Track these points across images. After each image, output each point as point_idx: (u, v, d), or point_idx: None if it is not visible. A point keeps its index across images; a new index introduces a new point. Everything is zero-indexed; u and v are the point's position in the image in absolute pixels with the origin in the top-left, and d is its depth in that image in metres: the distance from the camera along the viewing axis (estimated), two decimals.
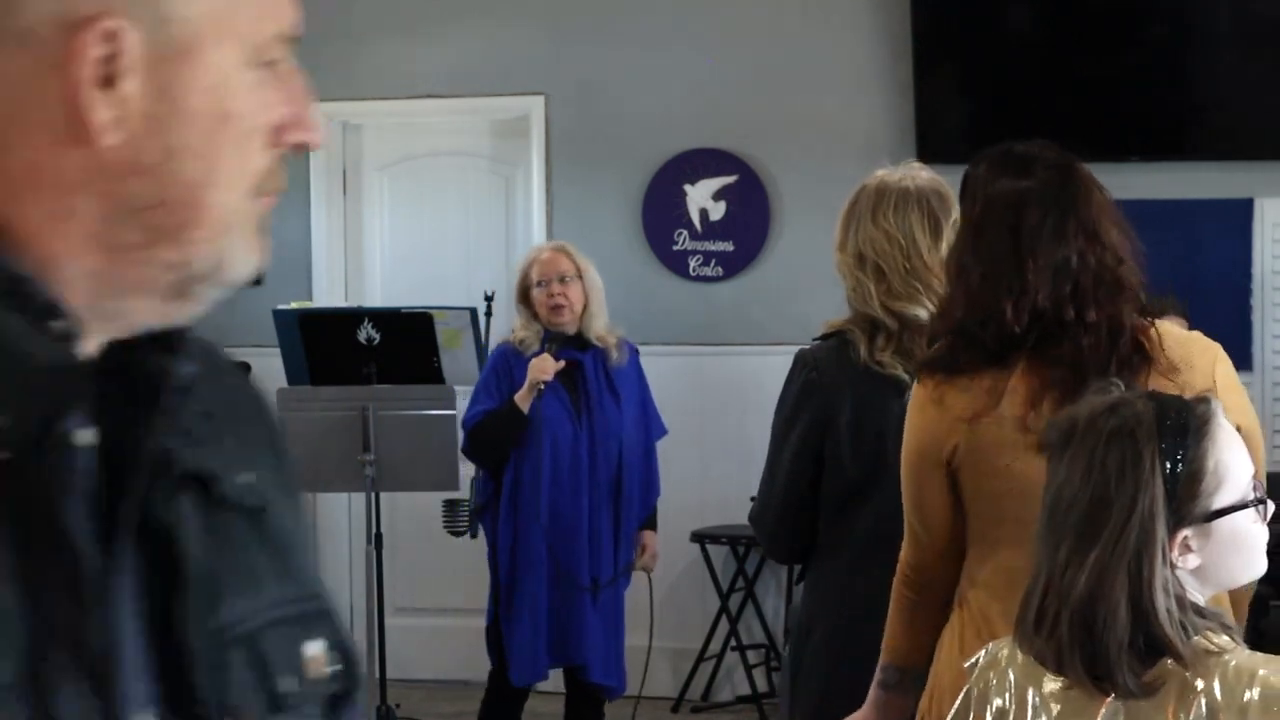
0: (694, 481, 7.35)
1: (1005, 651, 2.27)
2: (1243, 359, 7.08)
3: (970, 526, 2.92)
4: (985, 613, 2.90)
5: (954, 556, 2.96)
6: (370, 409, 6.09)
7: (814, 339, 3.54)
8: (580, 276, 5.89)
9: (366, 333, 6.69)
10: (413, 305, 7.36)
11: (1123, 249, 2.91)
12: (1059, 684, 2.19)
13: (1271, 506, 2.24)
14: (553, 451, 5.79)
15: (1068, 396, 2.79)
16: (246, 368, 5.72)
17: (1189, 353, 2.89)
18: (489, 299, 6.58)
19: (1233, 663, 2.11)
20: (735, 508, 7.29)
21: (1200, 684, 2.10)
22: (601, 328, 5.91)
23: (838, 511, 3.21)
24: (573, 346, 5.84)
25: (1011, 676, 2.25)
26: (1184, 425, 2.17)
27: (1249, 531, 2.20)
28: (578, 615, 5.82)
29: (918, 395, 2.96)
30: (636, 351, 6.09)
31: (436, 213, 8.05)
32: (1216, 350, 2.94)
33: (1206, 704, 2.09)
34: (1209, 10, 7.04)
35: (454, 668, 7.83)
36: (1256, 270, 7.09)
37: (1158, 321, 2.92)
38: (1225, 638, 2.14)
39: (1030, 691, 2.22)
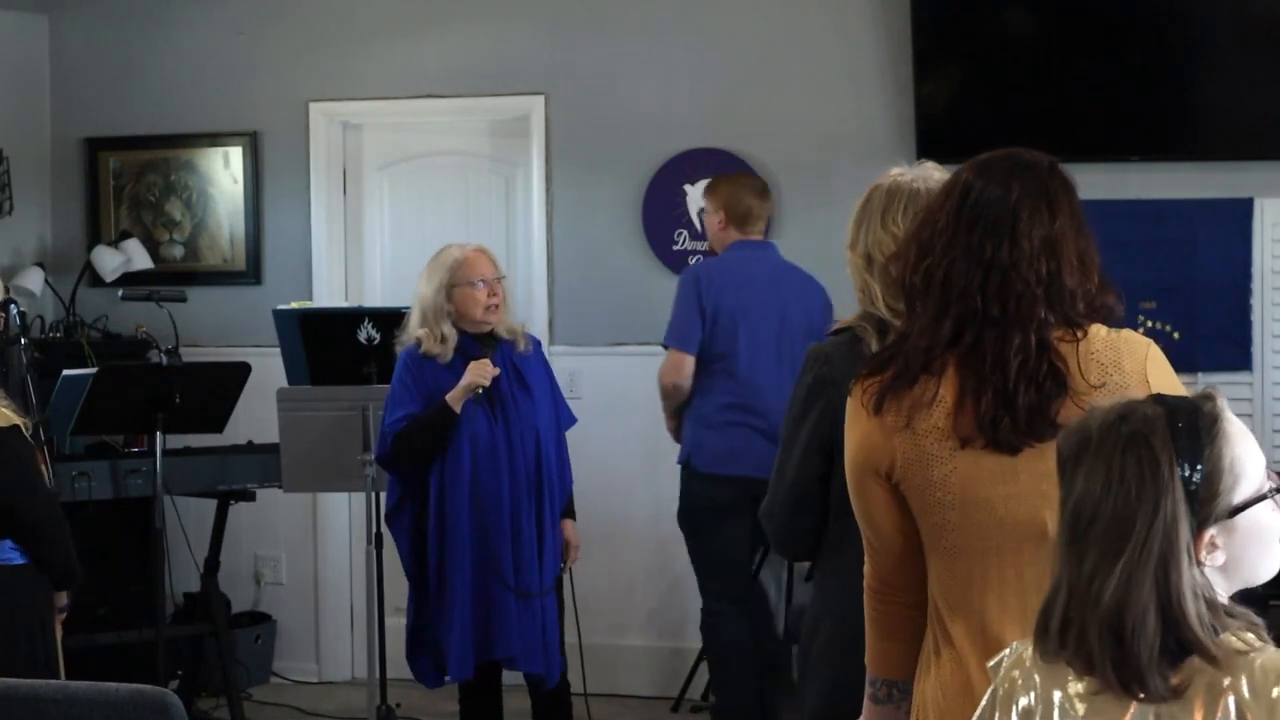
0: None
1: (1030, 651, 2.28)
2: (1243, 359, 7.08)
3: (923, 536, 2.90)
4: (947, 627, 2.89)
5: (914, 565, 2.94)
6: (370, 409, 6.08)
7: (826, 335, 3.54)
8: (502, 276, 5.97)
9: (366, 333, 6.68)
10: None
11: (1046, 266, 2.85)
12: (1084, 684, 2.19)
13: None
14: (472, 449, 5.80)
15: (995, 399, 2.79)
16: (247, 368, 5.73)
17: (1118, 354, 2.84)
18: None
19: (1259, 660, 2.12)
20: None
21: (1228, 682, 2.11)
22: (512, 322, 5.97)
23: (846, 505, 3.20)
24: (483, 344, 5.88)
25: (1036, 677, 2.25)
26: (1195, 426, 2.18)
27: (1269, 522, 2.21)
28: (501, 609, 5.82)
29: (851, 405, 2.93)
30: (539, 342, 6.13)
31: (436, 213, 8.05)
32: (1148, 347, 2.88)
33: (1235, 702, 2.10)
34: (1209, 10, 7.04)
35: None
36: (1256, 270, 7.08)
37: (1089, 327, 2.85)
38: (1251, 635, 2.16)
39: (1056, 692, 2.22)
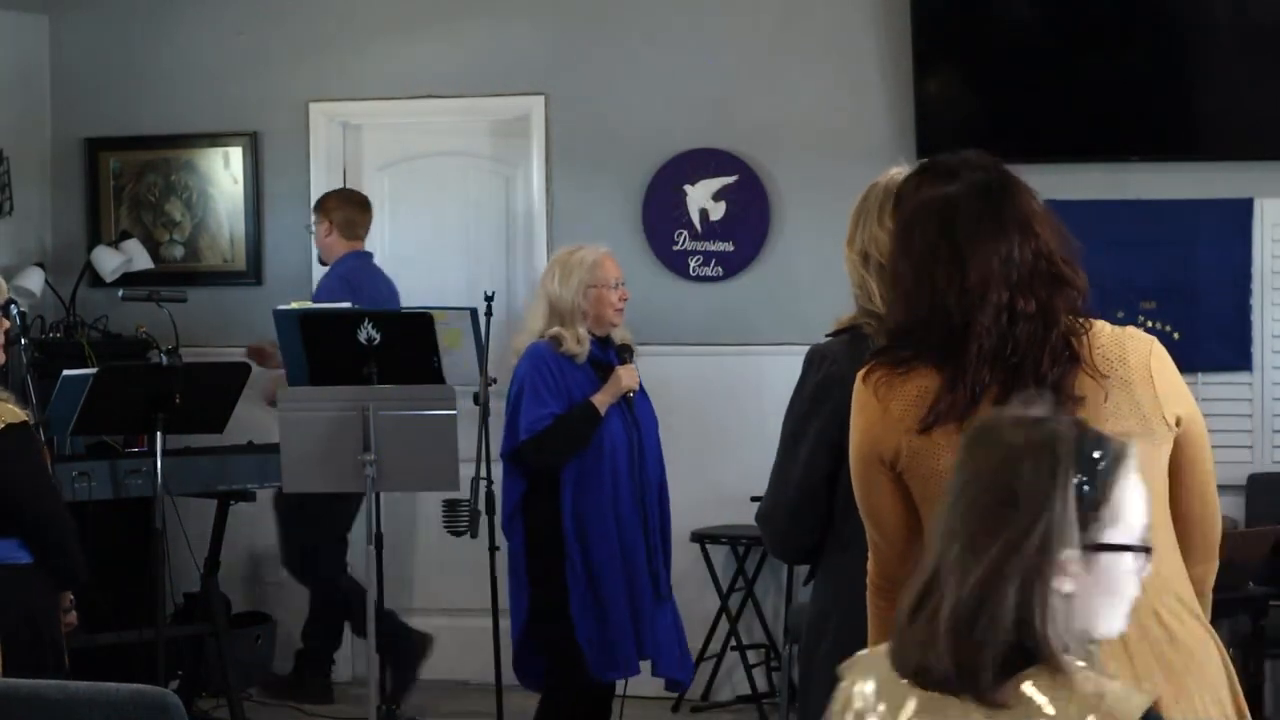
0: (694, 481, 7.35)
1: (868, 655, 2.29)
2: (1243, 359, 7.08)
3: (925, 527, 2.91)
4: None
5: (916, 561, 2.95)
6: (370, 409, 6.07)
7: (826, 335, 3.54)
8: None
9: (366, 333, 6.68)
10: (413, 305, 7.36)
11: (1059, 248, 2.91)
12: (912, 690, 2.20)
13: (1148, 562, 2.24)
14: (612, 453, 5.80)
15: (1003, 396, 2.81)
16: (247, 368, 5.75)
17: (1123, 349, 2.90)
18: (489, 299, 6.56)
19: (1081, 689, 2.12)
20: (735, 508, 7.28)
21: (1050, 709, 2.11)
22: (625, 332, 6.00)
23: (851, 505, 3.21)
24: (600, 348, 5.89)
25: (873, 683, 2.26)
26: (1101, 452, 2.19)
27: (1125, 580, 2.20)
28: (649, 611, 5.85)
29: (859, 394, 2.95)
30: None
31: (436, 213, 8.04)
32: (1151, 343, 2.94)
33: None
34: (1209, 11, 7.04)
35: (454, 668, 7.82)
36: (1256, 270, 7.08)
37: (1094, 321, 2.92)
38: (1084, 664, 2.15)
39: (885, 700, 2.24)
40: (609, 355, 5.87)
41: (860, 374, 2.96)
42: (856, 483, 2.97)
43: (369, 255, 7.61)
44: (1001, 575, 2.13)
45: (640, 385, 5.98)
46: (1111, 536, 2.18)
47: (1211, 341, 7.07)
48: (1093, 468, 2.17)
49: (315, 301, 7.35)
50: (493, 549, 6.44)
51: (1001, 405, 2.81)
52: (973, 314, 2.84)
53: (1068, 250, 2.92)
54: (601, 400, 5.78)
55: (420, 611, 7.91)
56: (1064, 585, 2.16)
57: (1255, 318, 7.08)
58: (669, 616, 5.95)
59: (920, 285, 2.88)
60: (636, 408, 5.92)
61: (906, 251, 2.93)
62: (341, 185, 8.08)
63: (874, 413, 2.91)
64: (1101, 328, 2.91)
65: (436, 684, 7.76)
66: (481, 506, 6.35)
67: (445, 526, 6.44)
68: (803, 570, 6.88)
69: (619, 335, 5.95)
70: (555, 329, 5.80)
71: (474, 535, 6.34)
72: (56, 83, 8.31)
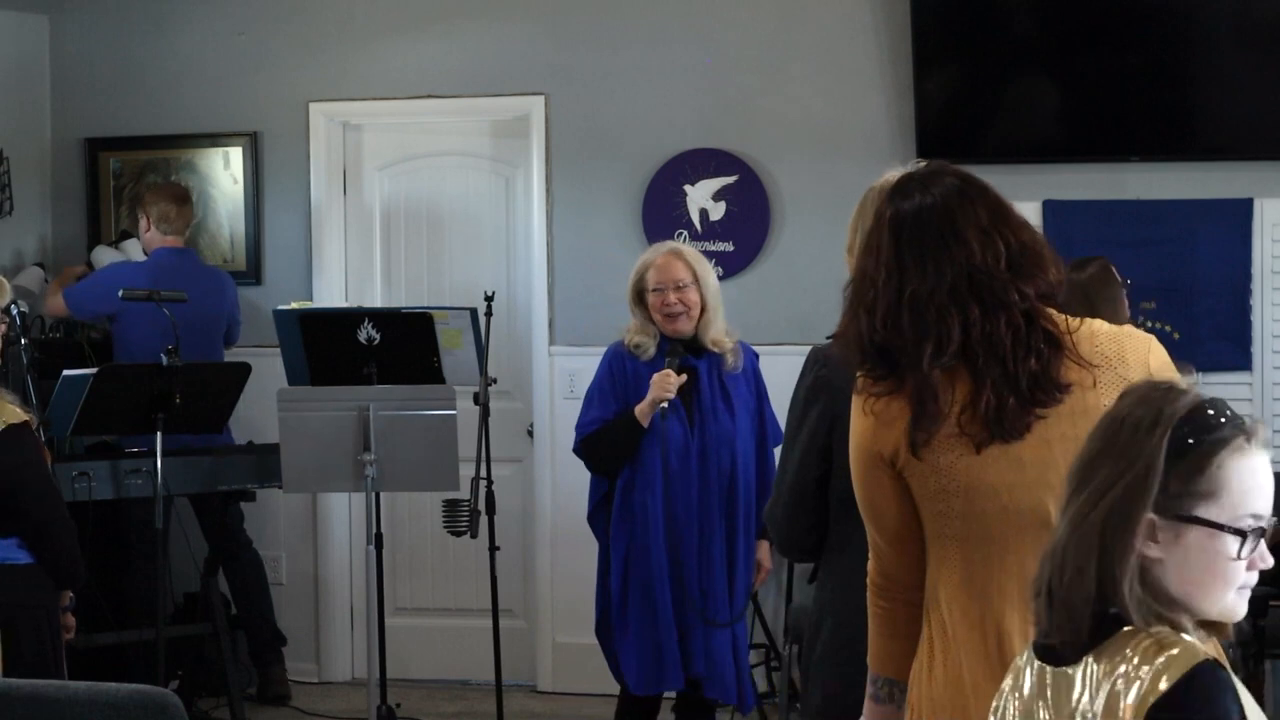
0: None
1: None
2: (1243, 359, 7.08)
3: (925, 527, 2.92)
4: (944, 618, 2.90)
5: (917, 560, 2.95)
6: (370, 409, 6.08)
7: (826, 337, 3.56)
8: (697, 281, 5.76)
9: (366, 333, 6.68)
10: (413, 305, 7.36)
11: (1013, 247, 2.90)
12: (1031, 664, 2.22)
13: (1262, 552, 2.15)
14: (664, 459, 5.68)
15: (997, 385, 2.83)
16: (247, 368, 5.74)
17: (1122, 347, 2.91)
18: (489, 299, 6.57)
19: (1158, 659, 2.08)
20: None
21: (1121, 667, 2.09)
22: (718, 332, 5.79)
23: (846, 507, 3.22)
24: (689, 351, 5.74)
25: (1029, 664, 2.27)
26: (1213, 423, 2.13)
27: (1220, 560, 2.12)
28: (690, 627, 5.71)
29: (854, 400, 2.98)
30: (756, 355, 5.95)
31: (436, 213, 8.05)
32: (1150, 341, 2.96)
33: (1112, 688, 2.08)
34: (1209, 10, 7.04)
35: (454, 668, 7.83)
36: (1256, 270, 7.09)
37: (1089, 320, 2.93)
38: (1184, 636, 2.11)
39: (1027, 673, 2.26)
40: (689, 359, 5.72)
41: (856, 388, 2.98)
42: (857, 481, 2.98)
43: (186, 252, 7.61)
44: (1086, 522, 2.10)
45: (727, 388, 5.76)
46: (1206, 509, 2.11)
47: (1211, 341, 7.08)
48: (1199, 432, 2.11)
49: (104, 278, 7.39)
50: (493, 549, 6.45)
51: (978, 402, 2.84)
52: (892, 337, 2.87)
53: (1026, 248, 2.92)
54: (641, 411, 5.65)
55: (420, 611, 7.91)
56: (1150, 550, 2.12)
57: (1255, 318, 7.09)
58: (727, 637, 5.73)
59: (854, 319, 2.92)
60: (708, 413, 5.71)
61: (851, 281, 2.97)
62: (342, 185, 8.08)
63: (873, 417, 2.93)
64: (1100, 326, 2.93)
65: (436, 684, 7.77)
66: (481, 506, 6.35)
67: (445, 526, 6.44)
68: (802, 570, 6.89)
69: (711, 339, 5.74)
70: (628, 325, 5.81)
71: (474, 535, 6.35)
72: (56, 83, 8.31)
